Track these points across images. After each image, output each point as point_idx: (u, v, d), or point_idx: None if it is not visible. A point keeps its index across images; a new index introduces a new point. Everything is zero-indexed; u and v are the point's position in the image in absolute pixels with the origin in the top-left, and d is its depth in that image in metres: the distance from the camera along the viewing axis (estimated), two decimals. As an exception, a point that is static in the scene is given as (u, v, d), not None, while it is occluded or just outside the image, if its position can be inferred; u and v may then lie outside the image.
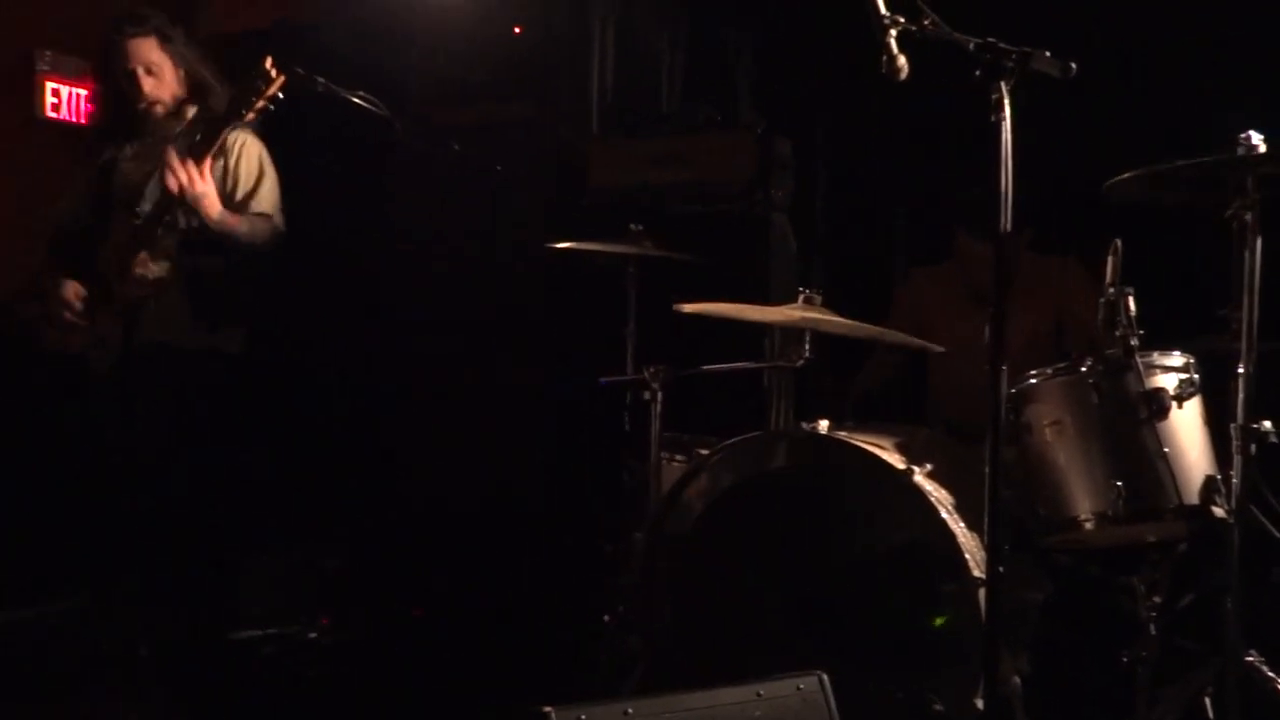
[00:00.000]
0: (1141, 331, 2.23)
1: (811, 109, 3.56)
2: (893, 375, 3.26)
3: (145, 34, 3.09)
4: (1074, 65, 2.04)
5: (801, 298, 2.60)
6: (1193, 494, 2.21)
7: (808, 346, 2.60)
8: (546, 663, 2.96)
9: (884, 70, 2.02)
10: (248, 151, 3.09)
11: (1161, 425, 2.22)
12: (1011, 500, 2.24)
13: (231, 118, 2.95)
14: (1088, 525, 2.27)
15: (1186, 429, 2.24)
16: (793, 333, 2.65)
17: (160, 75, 3.10)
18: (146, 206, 3.02)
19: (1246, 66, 3.00)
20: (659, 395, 2.74)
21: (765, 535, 2.50)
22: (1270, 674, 2.16)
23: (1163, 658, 2.29)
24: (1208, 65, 3.07)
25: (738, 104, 3.65)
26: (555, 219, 3.50)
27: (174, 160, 2.92)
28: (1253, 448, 2.11)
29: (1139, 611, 2.32)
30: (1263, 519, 2.21)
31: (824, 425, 2.48)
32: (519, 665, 2.98)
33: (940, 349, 2.79)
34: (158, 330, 3.03)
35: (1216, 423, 2.24)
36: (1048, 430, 2.32)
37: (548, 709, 1.74)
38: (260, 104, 2.89)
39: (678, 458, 2.77)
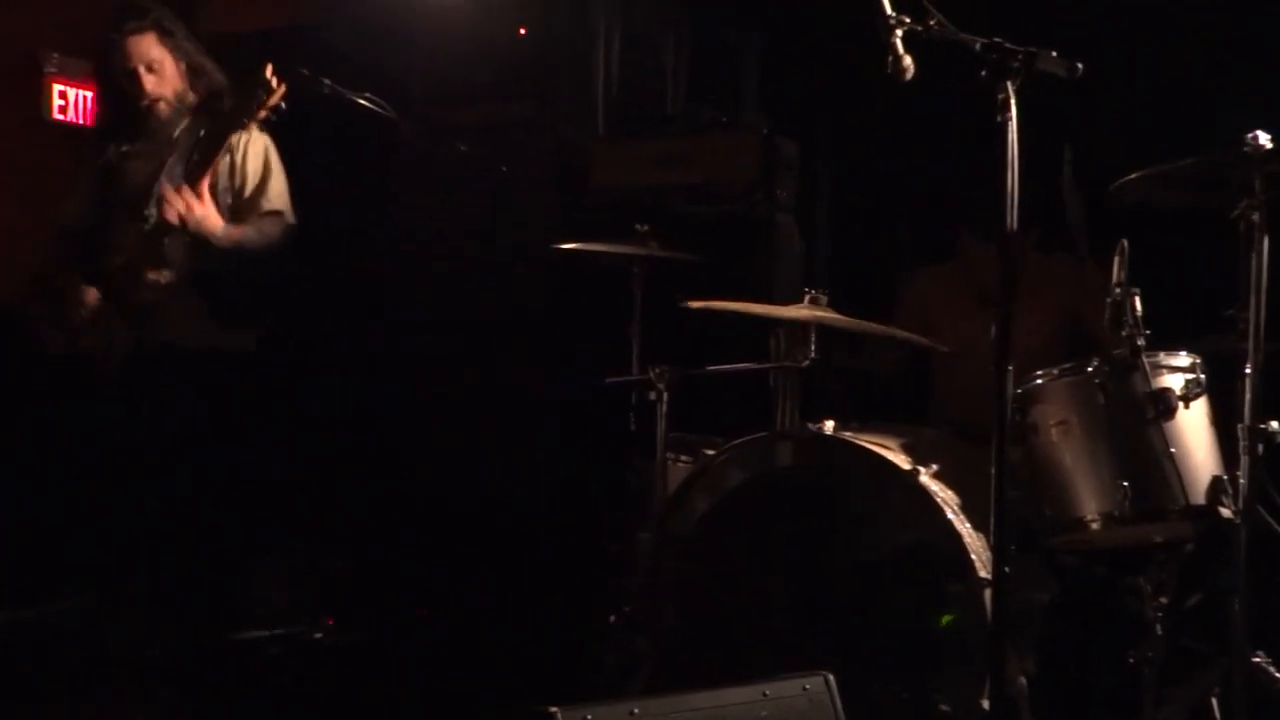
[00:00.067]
0: (1148, 331, 2.23)
1: (816, 109, 3.55)
2: (893, 370, 3.25)
3: (145, 30, 3.04)
4: (1080, 65, 2.04)
5: (807, 298, 2.60)
6: (1199, 494, 2.20)
7: (813, 347, 2.60)
8: (552, 663, 2.96)
9: (889, 70, 2.02)
10: (253, 148, 3.07)
11: (1168, 425, 2.22)
12: (1017, 500, 2.23)
13: (231, 131, 2.94)
14: (1094, 526, 2.27)
15: (1193, 429, 2.24)
16: (799, 333, 2.65)
17: (161, 72, 3.06)
18: (153, 210, 3.01)
19: (1253, 67, 3.00)
20: (664, 395, 2.73)
21: (771, 535, 2.50)
22: (1277, 675, 2.15)
23: (1169, 658, 2.29)
24: (1214, 66, 3.06)
25: (742, 104, 3.65)
26: (560, 219, 3.50)
27: (169, 193, 2.90)
28: (1260, 448, 2.11)
29: (1145, 612, 2.31)
30: (1270, 520, 2.21)
31: (829, 425, 2.48)
32: (524, 665, 2.98)
33: (945, 349, 2.79)
34: (168, 330, 3.03)
35: (1224, 423, 2.23)
36: (1054, 430, 2.31)
37: (553, 709, 1.74)
38: (261, 114, 2.88)
39: (683, 458, 2.77)
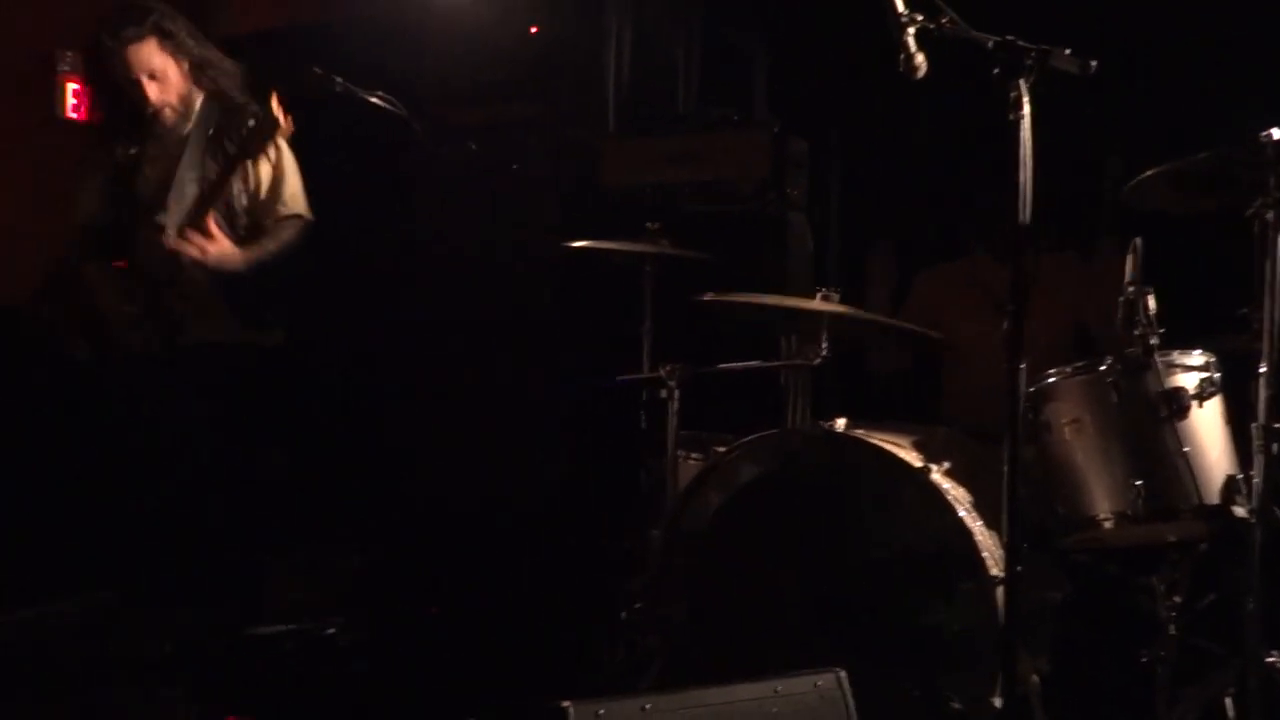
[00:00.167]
0: (1161, 330, 2.22)
1: (827, 107, 3.55)
2: (895, 370, 3.24)
3: (145, 36, 2.94)
4: (1093, 63, 2.03)
5: (819, 296, 2.60)
6: (1213, 493, 2.20)
7: (825, 344, 2.60)
8: (564, 659, 2.96)
9: (901, 69, 2.03)
10: (263, 145, 3.02)
11: (1181, 424, 2.21)
12: (1030, 499, 2.23)
13: (238, 162, 2.92)
14: (1107, 524, 2.27)
15: (1207, 428, 2.23)
16: (810, 331, 2.65)
17: (165, 79, 3.00)
18: (167, 220, 2.99)
19: (1266, 65, 2.98)
20: (676, 393, 2.74)
21: (782, 533, 2.50)
22: (1291, 675, 2.15)
23: (1182, 658, 2.28)
24: (1227, 65, 3.05)
25: (753, 103, 3.65)
26: (570, 218, 3.50)
27: (175, 245, 2.87)
28: (1275, 447, 2.10)
29: (1158, 611, 2.31)
30: (1283, 519, 2.20)
31: (841, 423, 2.48)
32: (537, 662, 2.98)
33: (952, 347, 2.79)
34: (195, 330, 3.02)
35: (1238, 422, 2.22)
36: (1066, 429, 2.31)
37: (566, 704, 1.75)
38: (268, 148, 2.87)
39: (694, 455, 2.77)
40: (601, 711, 1.76)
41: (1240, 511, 2.17)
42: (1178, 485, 2.20)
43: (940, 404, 3.17)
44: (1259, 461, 2.11)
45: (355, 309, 3.73)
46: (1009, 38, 2.01)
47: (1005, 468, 1.99)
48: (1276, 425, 2.10)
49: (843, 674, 1.93)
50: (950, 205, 3.28)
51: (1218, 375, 2.26)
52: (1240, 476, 2.19)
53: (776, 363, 2.88)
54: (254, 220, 3.07)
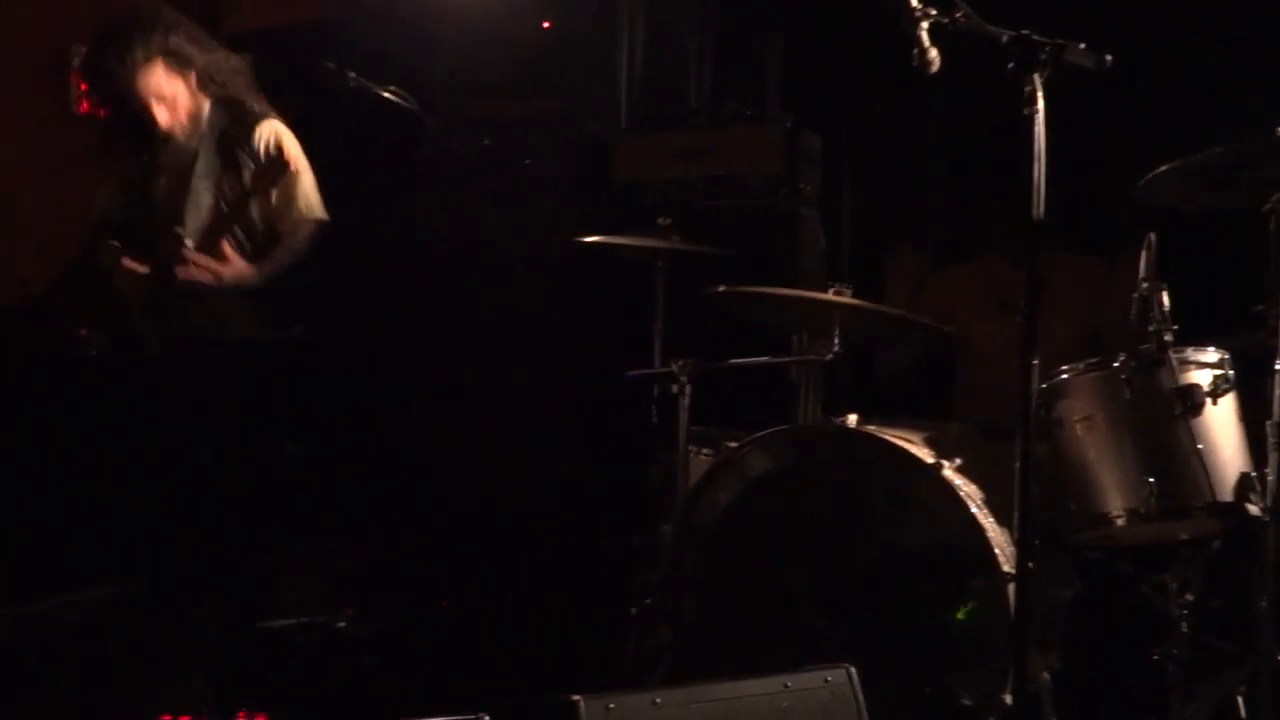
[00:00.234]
0: (1176, 326, 2.21)
1: (840, 102, 3.54)
2: (905, 366, 3.22)
3: (151, 60, 2.90)
4: (1109, 57, 2.02)
5: (831, 291, 2.59)
6: (1227, 491, 2.19)
7: (837, 341, 2.59)
8: (574, 654, 2.97)
9: (915, 63, 2.02)
10: (271, 149, 3.00)
11: (1195, 421, 2.20)
12: (1041, 496, 2.22)
13: (245, 204, 2.91)
14: (1119, 522, 2.26)
15: (1221, 425, 2.22)
16: (822, 326, 2.65)
17: (174, 101, 2.98)
18: (186, 235, 2.98)
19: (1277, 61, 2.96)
20: (687, 388, 2.74)
21: (793, 528, 2.50)
22: (1305, 673, 2.13)
23: (1194, 656, 2.27)
24: (1241, 61, 3.03)
25: (766, 98, 3.64)
26: (583, 213, 3.50)
27: (190, 273, 2.86)
28: (1288, 444, 2.09)
29: (1170, 609, 2.30)
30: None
31: (853, 419, 2.48)
32: (547, 656, 2.99)
33: (965, 344, 2.78)
34: (210, 325, 3.03)
35: (1252, 420, 2.21)
36: (1079, 426, 2.30)
37: (576, 698, 1.75)
38: (276, 186, 2.84)
39: (706, 451, 2.77)
40: (612, 706, 1.76)
41: (1254, 509, 2.16)
42: (1191, 483, 2.19)
43: (952, 402, 3.16)
44: (1273, 459, 2.10)
45: (366, 304, 3.74)
46: (1024, 32, 2.00)
47: (1017, 464, 1.98)
48: (1291, 422, 2.09)
49: (853, 670, 1.93)
50: (964, 203, 3.27)
51: (1232, 372, 2.24)
52: (1254, 474, 2.18)
53: (788, 358, 2.88)
54: (270, 226, 3.07)
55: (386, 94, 3.16)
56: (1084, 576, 2.52)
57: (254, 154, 3.03)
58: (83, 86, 4.05)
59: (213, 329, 3.04)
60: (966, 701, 2.29)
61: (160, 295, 3.02)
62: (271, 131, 3.05)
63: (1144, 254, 2.20)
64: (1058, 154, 1.99)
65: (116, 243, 3.04)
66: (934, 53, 2.01)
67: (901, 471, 2.41)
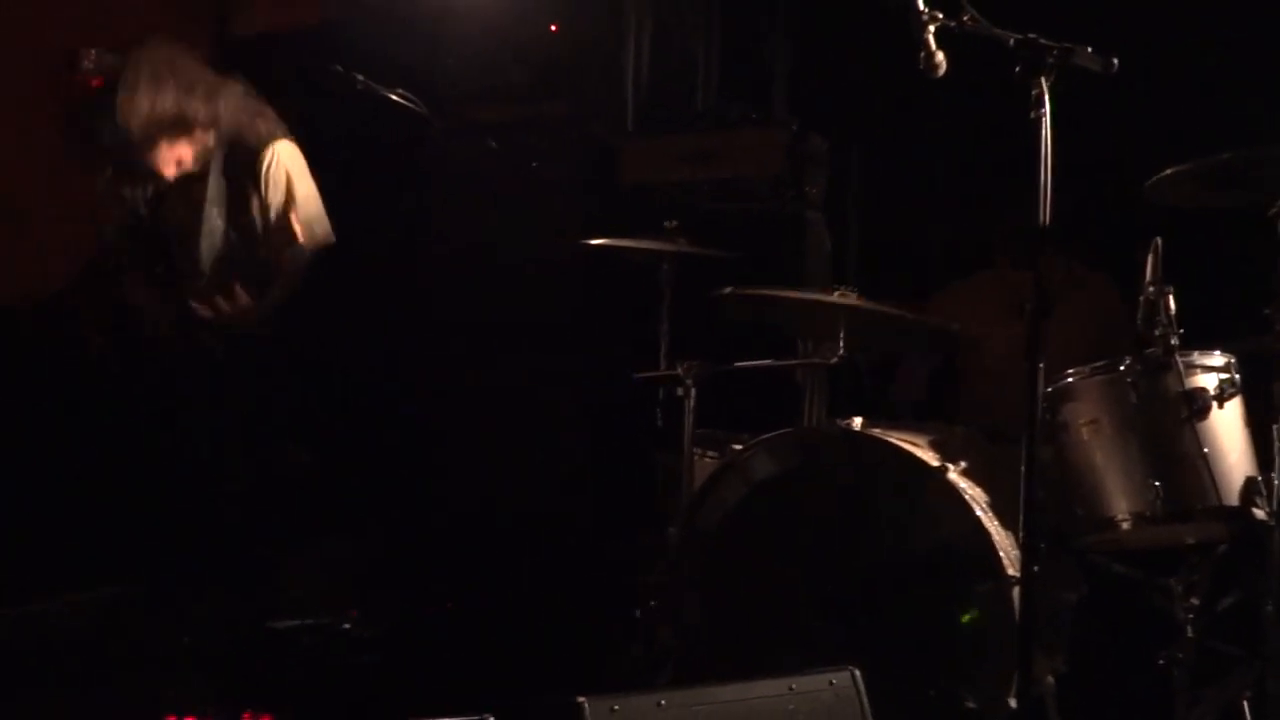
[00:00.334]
0: (1181, 330, 2.21)
1: (846, 106, 3.55)
2: (924, 396, 3.22)
3: (170, 139, 2.95)
4: (1116, 61, 2.03)
5: (837, 294, 2.59)
6: (1233, 495, 2.18)
7: (842, 344, 2.59)
8: (580, 655, 2.97)
9: (922, 67, 2.02)
10: (274, 177, 3.03)
11: (1201, 425, 2.20)
12: (1047, 499, 2.22)
13: (253, 232, 2.92)
14: (1125, 525, 2.26)
15: (1227, 429, 2.22)
16: (827, 329, 2.65)
17: (185, 159, 3.02)
18: (202, 258, 3.00)
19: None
20: (692, 391, 2.74)
21: (798, 531, 2.50)
22: (1311, 678, 2.13)
23: (1200, 660, 2.27)
24: (1247, 66, 3.03)
25: (772, 101, 3.65)
26: (589, 216, 3.51)
27: (202, 312, 2.91)
28: (1295, 449, 2.09)
29: (1176, 613, 2.29)
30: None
31: (858, 422, 2.48)
32: (552, 658, 2.99)
33: (974, 347, 2.77)
34: (221, 328, 3.04)
35: (1258, 424, 2.21)
36: (1084, 429, 2.30)
37: (581, 700, 1.75)
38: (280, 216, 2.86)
39: (711, 453, 2.77)
40: (617, 707, 1.76)
41: (1260, 513, 2.16)
42: (1197, 486, 2.19)
43: (957, 407, 3.16)
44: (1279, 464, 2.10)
45: (374, 307, 3.74)
46: (1030, 35, 2.00)
47: (1022, 467, 1.98)
48: (1297, 427, 2.09)
49: (858, 672, 1.93)
50: (973, 208, 3.27)
51: (1238, 376, 2.24)
52: (1260, 478, 2.18)
53: (793, 361, 2.88)
54: (275, 254, 3.08)
55: (394, 97, 3.17)
56: (1089, 580, 2.51)
57: (259, 183, 3.05)
58: (90, 86, 4.07)
59: (220, 330, 3.05)
60: (971, 705, 2.29)
61: (172, 309, 3.05)
62: (274, 158, 3.05)
63: (1150, 258, 2.20)
64: (1064, 157, 1.99)
65: (133, 258, 3.08)
66: (940, 56, 2.01)
67: (906, 474, 2.41)
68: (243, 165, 3.01)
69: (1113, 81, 2.05)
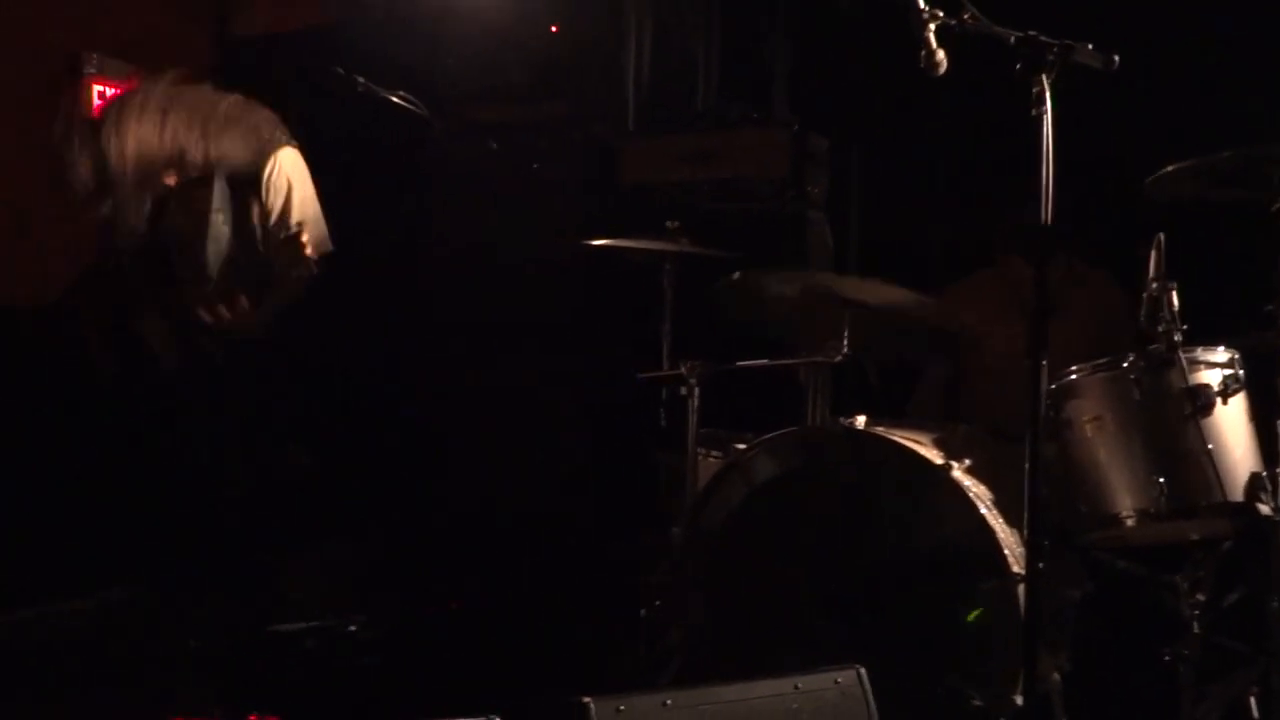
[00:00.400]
0: (1185, 326, 2.21)
1: (847, 105, 3.54)
2: (942, 398, 3.21)
3: (163, 173, 2.96)
4: (1116, 58, 2.02)
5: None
6: (1237, 491, 2.18)
7: (845, 342, 2.59)
8: (585, 655, 2.97)
9: (922, 65, 2.02)
10: (276, 184, 3.03)
11: (1205, 421, 2.20)
12: (1051, 496, 2.22)
13: (255, 241, 2.94)
14: (1129, 522, 2.25)
15: (1231, 425, 2.22)
16: (830, 327, 2.65)
17: (173, 184, 3.05)
18: (208, 264, 3.00)
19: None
20: (696, 391, 2.74)
21: (803, 530, 2.50)
22: (1316, 674, 2.13)
23: (1206, 657, 2.27)
24: (1249, 62, 3.03)
25: (773, 100, 3.65)
26: (590, 216, 3.51)
27: (205, 318, 2.92)
28: (1299, 444, 2.09)
29: (1181, 609, 2.29)
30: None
31: (861, 420, 2.48)
32: (557, 658, 2.99)
33: (978, 345, 2.77)
34: (223, 332, 3.04)
35: (1262, 419, 2.21)
36: (1088, 426, 2.30)
37: (586, 700, 1.75)
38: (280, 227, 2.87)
39: (714, 453, 2.77)
40: (622, 707, 1.76)
41: (1264, 509, 2.16)
42: (1201, 482, 2.19)
43: (958, 405, 3.16)
44: (1284, 459, 2.10)
45: (376, 307, 3.74)
46: (1031, 33, 2.00)
47: (1026, 465, 1.98)
48: (1302, 423, 2.09)
49: (863, 671, 1.93)
50: (973, 207, 3.26)
51: (1242, 372, 2.24)
52: (1265, 474, 2.18)
53: (796, 360, 2.88)
54: (277, 263, 3.08)
55: (395, 98, 3.17)
56: (1094, 577, 2.51)
57: (260, 190, 3.05)
58: (96, 92, 4.06)
59: (222, 334, 3.05)
60: (977, 702, 2.29)
61: (176, 313, 3.05)
62: (277, 166, 3.05)
63: (1153, 254, 2.20)
64: (1065, 155, 1.99)
65: (137, 263, 3.09)
66: (941, 55, 2.02)
67: (910, 473, 2.41)
68: (246, 175, 3.01)
69: (1113, 79, 2.05)
